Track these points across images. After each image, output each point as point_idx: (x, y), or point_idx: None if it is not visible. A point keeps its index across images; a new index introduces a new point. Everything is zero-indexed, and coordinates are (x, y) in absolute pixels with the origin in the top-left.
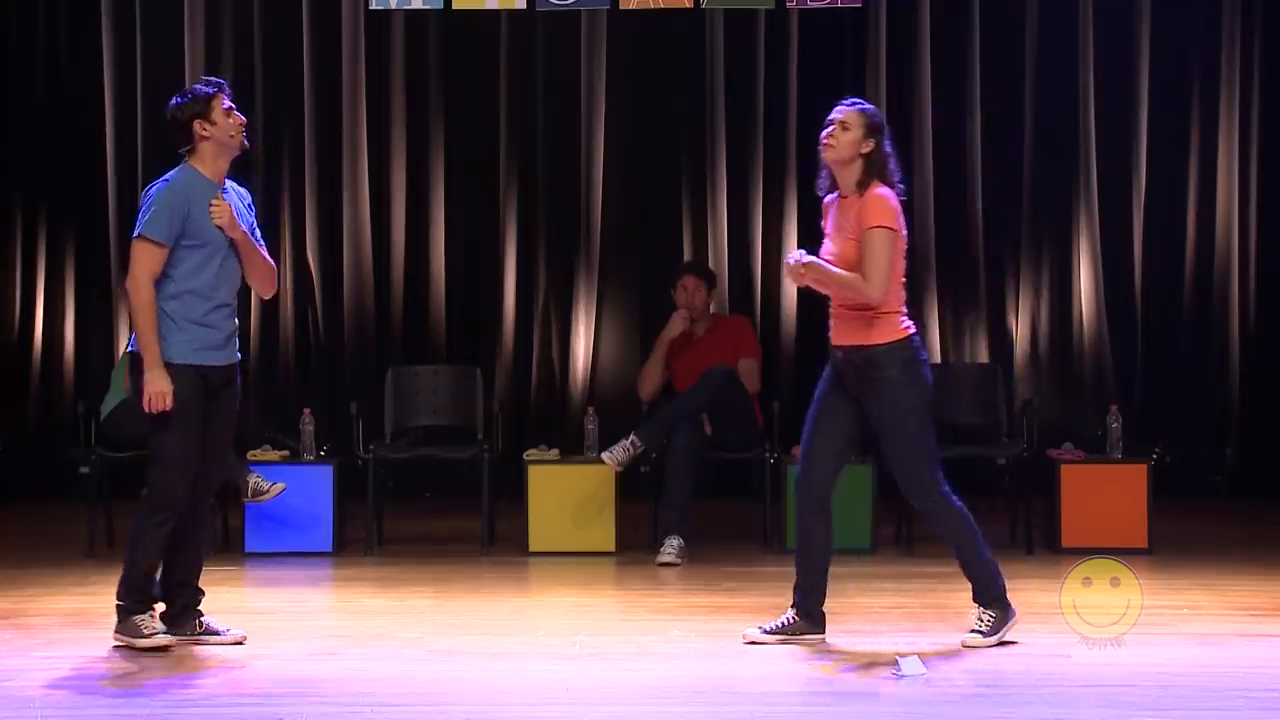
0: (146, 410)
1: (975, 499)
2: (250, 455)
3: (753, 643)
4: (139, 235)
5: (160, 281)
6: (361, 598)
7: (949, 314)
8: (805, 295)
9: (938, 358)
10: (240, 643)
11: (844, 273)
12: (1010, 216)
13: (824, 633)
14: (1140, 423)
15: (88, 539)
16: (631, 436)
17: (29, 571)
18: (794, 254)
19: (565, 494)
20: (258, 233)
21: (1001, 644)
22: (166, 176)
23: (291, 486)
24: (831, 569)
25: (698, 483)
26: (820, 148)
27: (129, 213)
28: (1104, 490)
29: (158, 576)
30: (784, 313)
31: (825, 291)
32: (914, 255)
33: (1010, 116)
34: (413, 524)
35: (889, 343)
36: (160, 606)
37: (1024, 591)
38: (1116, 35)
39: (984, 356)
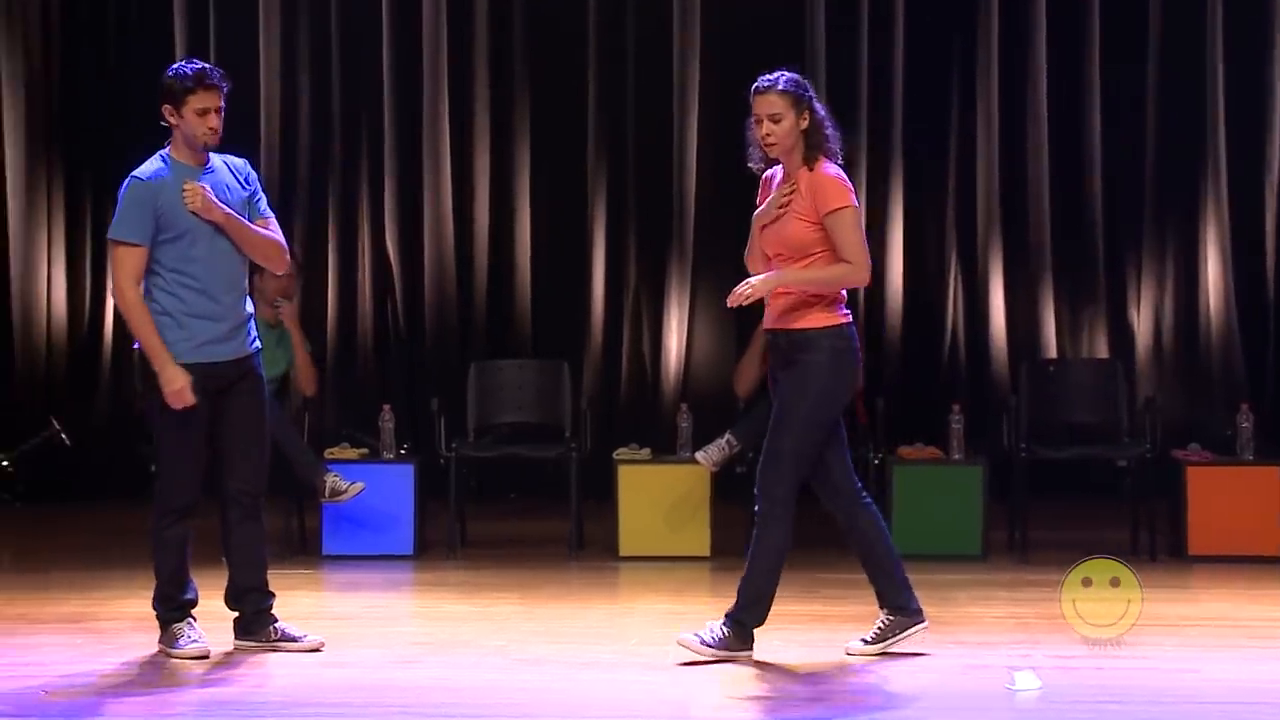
0: (147, 415)
1: (1094, 502)
2: (328, 453)
3: (853, 654)
4: (110, 238)
5: (151, 278)
6: (443, 603)
7: (1065, 308)
8: (912, 286)
9: (1053, 353)
10: (318, 649)
11: (822, 272)
12: (1132, 204)
13: (925, 621)
14: (1273, 422)
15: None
16: (727, 435)
17: (100, 574)
18: (742, 289)
19: (657, 495)
20: (261, 202)
21: (717, 658)
22: (135, 171)
23: (371, 486)
24: (940, 576)
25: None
26: (758, 149)
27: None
28: (1233, 494)
29: (191, 581)
30: (888, 304)
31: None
32: (1028, 246)
33: (1132, 98)
34: (497, 526)
35: (822, 328)
36: (224, 614)
37: (1147, 601)
38: (1246, 11)
39: (1103, 352)
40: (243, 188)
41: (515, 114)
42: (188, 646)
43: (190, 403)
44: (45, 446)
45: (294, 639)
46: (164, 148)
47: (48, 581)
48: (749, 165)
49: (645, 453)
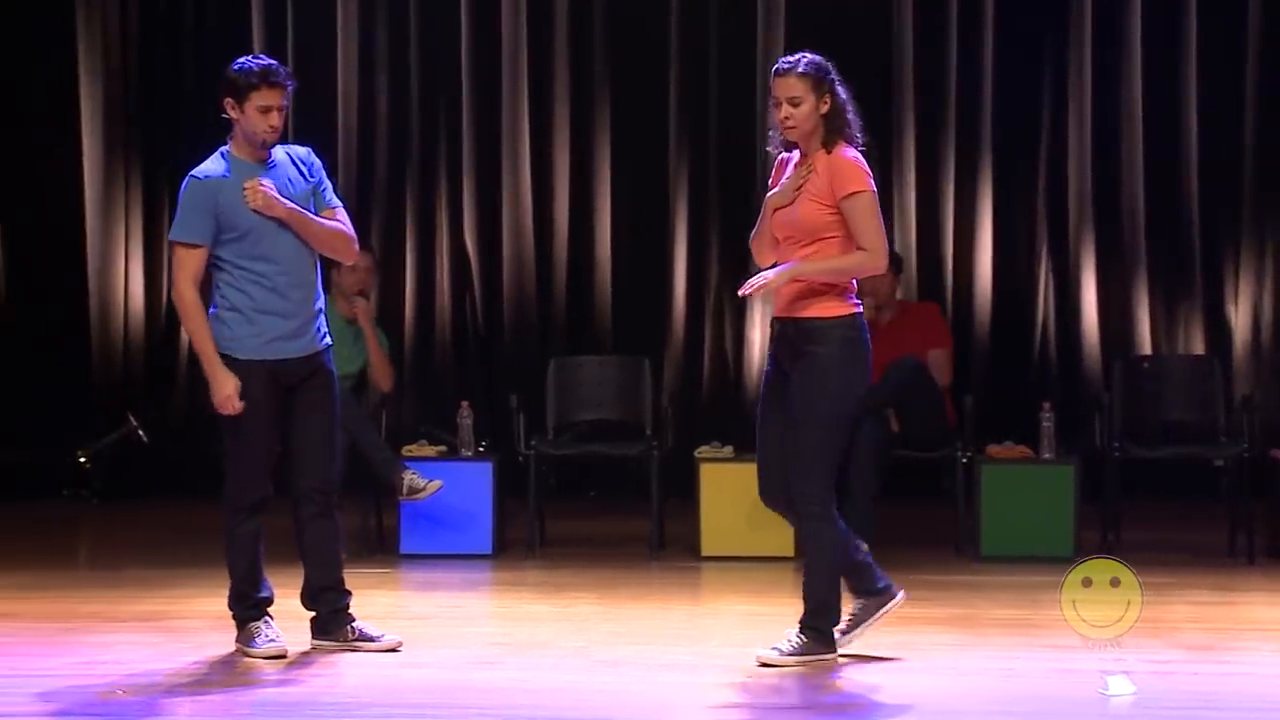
0: (218, 412)
1: (1190, 503)
2: (406, 451)
3: (765, 664)
4: (170, 239)
5: (219, 274)
6: (522, 603)
7: (1160, 304)
8: (1001, 283)
9: (1147, 350)
10: (395, 649)
11: (838, 261)
12: (1229, 202)
13: (897, 593)
14: None
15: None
16: None
17: (177, 572)
18: (757, 280)
19: (740, 494)
20: (328, 192)
21: (802, 666)
22: (194, 170)
23: (449, 484)
24: (1030, 578)
25: (883, 482)
26: (778, 133)
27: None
28: None
29: (265, 579)
30: (977, 299)
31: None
32: (1121, 243)
33: (1229, 90)
34: (576, 525)
35: (831, 317)
36: (301, 614)
37: (1245, 605)
38: None
39: (1199, 348)
40: (306, 179)
41: (595, 110)
42: (264, 646)
43: (238, 409)
44: (122, 443)
45: (371, 639)
46: (225, 144)
47: (125, 579)
48: (768, 148)
49: (727, 450)
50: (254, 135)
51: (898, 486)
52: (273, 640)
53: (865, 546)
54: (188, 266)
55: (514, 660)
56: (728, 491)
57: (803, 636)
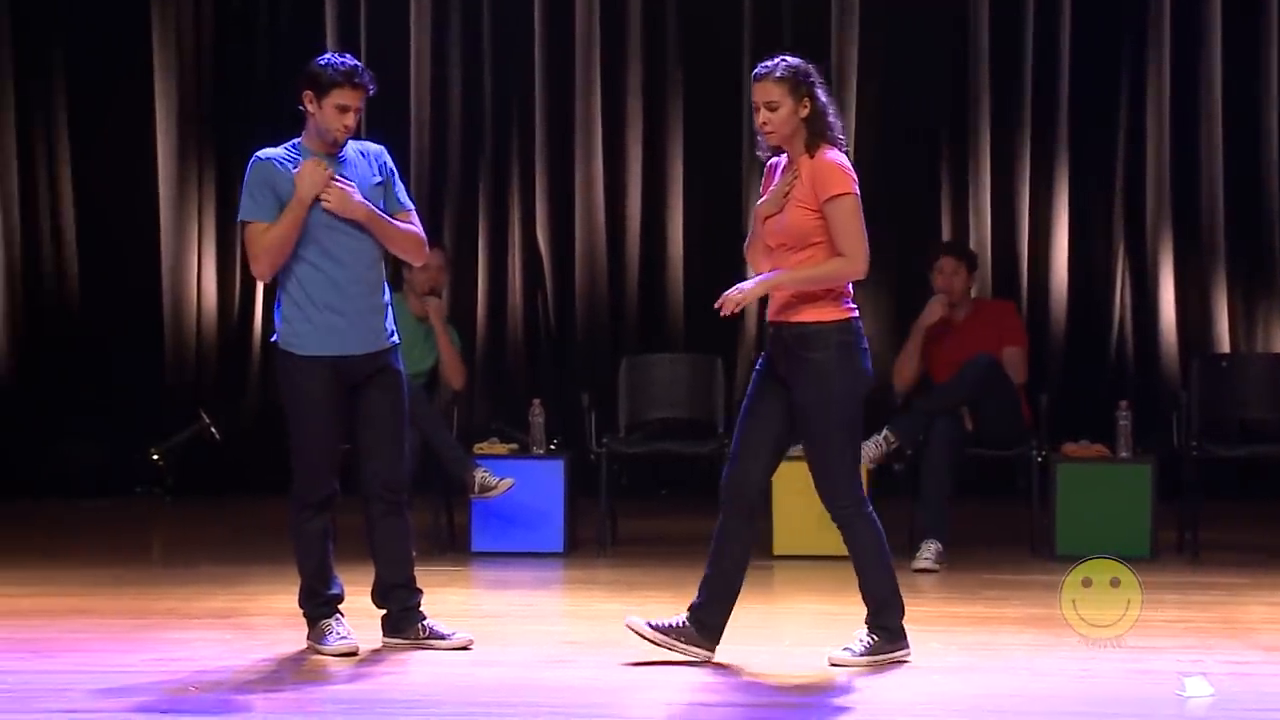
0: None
1: (1269, 503)
2: (477, 449)
3: (631, 627)
4: (238, 220)
5: (285, 265)
6: (593, 602)
7: (1239, 301)
8: (1078, 281)
9: (1225, 347)
10: (466, 647)
11: (816, 270)
12: None
13: (713, 651)
14: None
15: None
16: (885, 431)
17: (249, 569)
18: (733, 294)
19: (812, 493)
20: (401, 193)
21: (873, 666)
22: (260, 151)
23: (520, 482)
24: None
25: (958, 482)
26: (759, 137)
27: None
28: None
29: (335, 576)
30: (1053, 296)
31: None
32: (1200, 242)
33: None
34: (648, 524)
35: (826, 322)
36: (372, 612)
37: None
38: None
39: (1279, 346)
40: (376, 175)
41: (668, 105)
42: (336, 643)
43: (326, 174)
44: (194, 440)
45: (443, 636)
46: (298, 137)
47: (197, 576)
48: (757, 154)
49: (799, 449)
50: (327, 132)
51: (972, 485)
52: (344, 638)
53: (894, 574)
54: (251, 244)
55: (585, 659)
56: (800, 490)
57: (873, 636)
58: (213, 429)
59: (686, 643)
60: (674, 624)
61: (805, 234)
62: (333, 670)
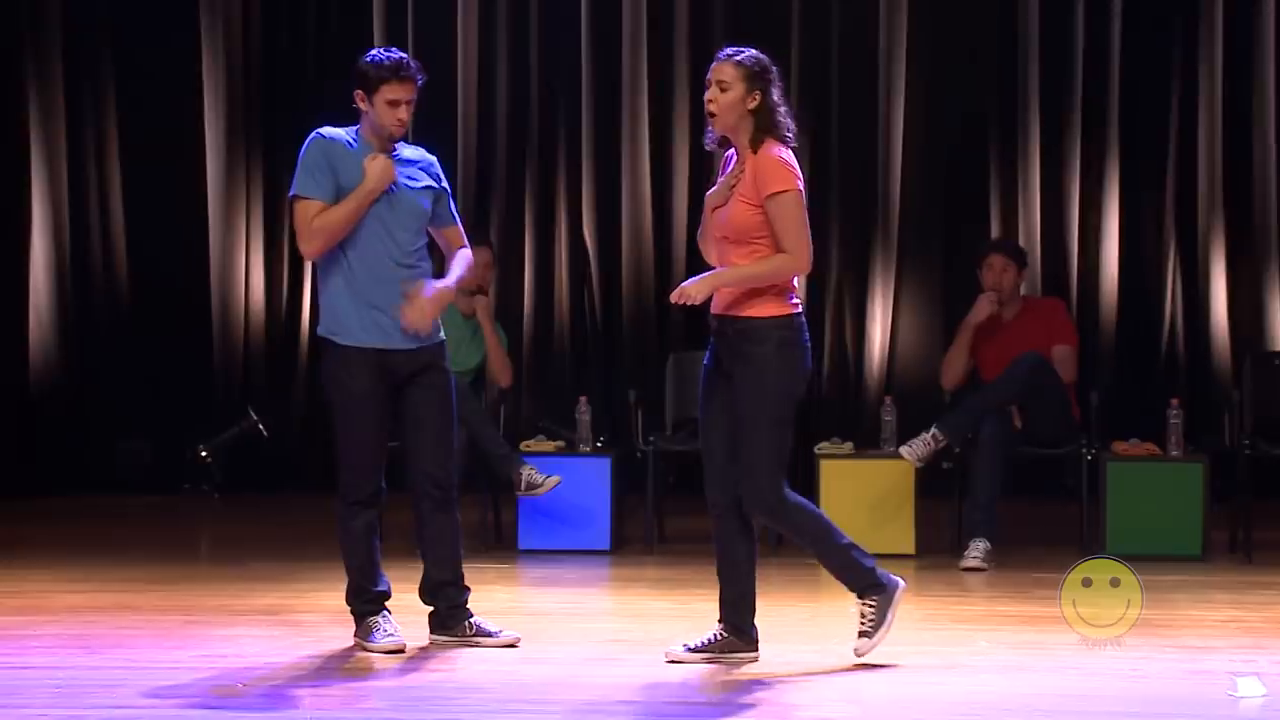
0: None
1: None
2: (524, 446)
3: (674, 661)
4: (290, 196)
5: (331, 254)
6: (642, 599)
7: None
8: (1128, 277)
9: (1278, 345)
10: (514, 645)
11: (759, 266)
12: None
13: (756, 651)
14: None
15: None
16: (933, 429)
17: (297, 566)
18: (688, 289)
19: (860, 491)
20: (452, 205)
21: (888, 628)
22: (321, 129)
23: (567, 480)
24: (1158, 577)
25: (1006, 480)
26: (708, 129)
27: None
28: None
29: (382, 574)
30: (1103, 294)
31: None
32: (1253, 237)
33: None
34: (695, 522)
35: (770, 317)
36: (419, 609)
37: None
38: None
39: None
40: (427, 180)
41: None
42: (383, 641)
43: (390, 169)
44: (242, 437)
45: (490, 634)
46: (355, 125)
47: (245, 573)
48: (705, 144)
49: (847, 447)
50: (381, 128)
51: (1021, 484)
52: (391, 635)
53: (847, 538)
54: (302, 221)
55: (632, 657)
56: (847, 488)
57: (869, 601)
58: (260, 426)
59: (730, 652)
60: (711, 639)
61: (747, 230)
62: (380, 667)
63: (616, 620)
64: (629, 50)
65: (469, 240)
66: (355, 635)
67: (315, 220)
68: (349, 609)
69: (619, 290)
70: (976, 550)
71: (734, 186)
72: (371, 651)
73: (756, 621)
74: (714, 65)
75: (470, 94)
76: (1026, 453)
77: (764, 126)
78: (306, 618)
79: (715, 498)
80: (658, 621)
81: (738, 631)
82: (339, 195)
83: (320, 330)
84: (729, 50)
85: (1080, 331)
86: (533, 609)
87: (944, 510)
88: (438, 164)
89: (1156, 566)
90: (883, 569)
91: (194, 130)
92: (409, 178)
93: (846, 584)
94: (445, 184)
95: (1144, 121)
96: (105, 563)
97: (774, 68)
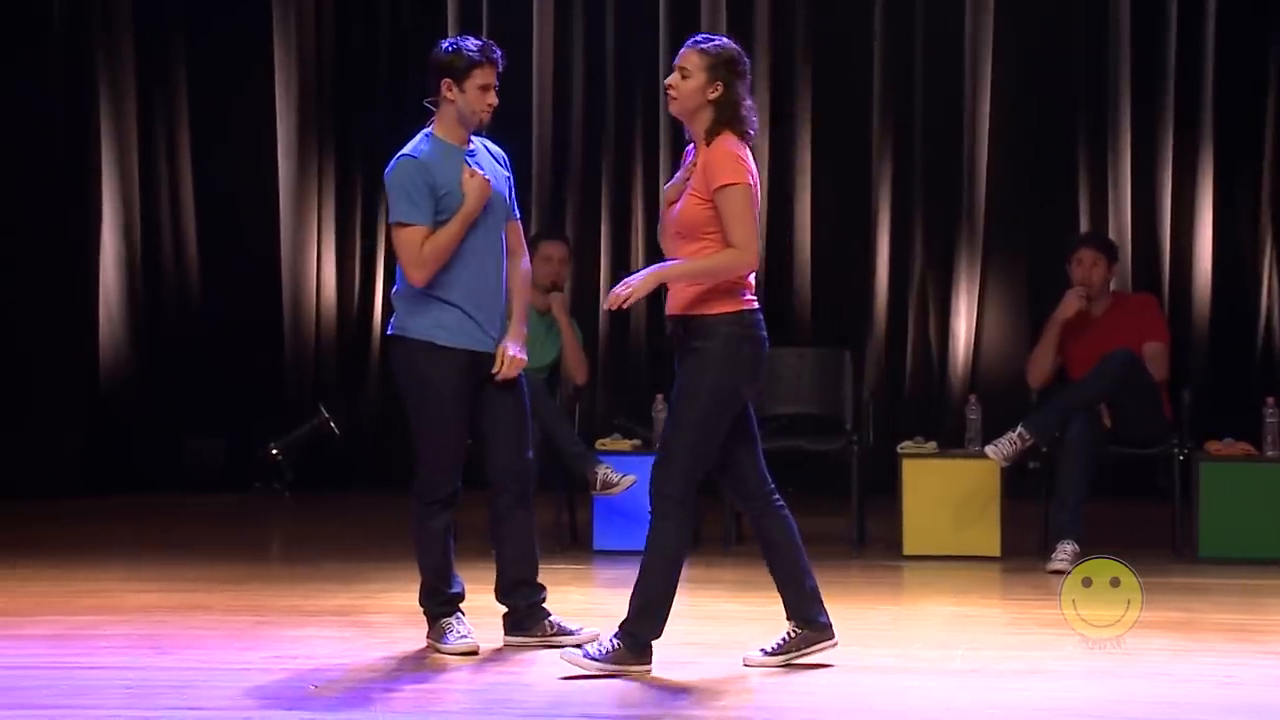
0: (405, 403)
1: None
2: (599, 445)
3: (755, 666)
4: (390, 222)
5: None
6: (716, 602)
7: None
8: (1221, 274)
9: None
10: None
11: (705, 262)
12: None
13: (833, 636)
14: None
15: None
16: (1019, 428)
17: (368, 567)
18: (620, 290)
19: (944, 491)
20: (513, 195)
21: (605, 674)
22: (403, 150)
23: (643, 479)
24: (1252, 581)
25: (1095, 481)
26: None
27: None
28: None
29: (456, 575)
30: (1196, 290)
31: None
32: None
33: None
34: None
35: (719, 314)
36: (495, 609)
37: None
38: None
39: None
40: (504, 170)
41: (796, 93)
42: (457, 642)
43: (487, 187)
44: (313, 436)
45: (570, 633)
46: (426, 127)
47: (316, 574)
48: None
49: (931, 446)
50: (472, 115)
51: (1111, 485)
52: (464, 637)
53: (813, 582)
54: (412, 246)
55: (708, 660)
56: (931, 488)
57: (617, 641)
58: (332, 424)
59: (808, 645)
60: (785, 639)
61: (698, 225)
62: (453, 669)
63: (692, 622)
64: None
65: (548, 234)
66: (428, 637)
67: (425, 247)
68: (422, 610)
69: None
70: (1064, 553)
71: (688, 180)
72: (445, 653)
73: (832, 617)
74: (681, 51)
75: (546, 85)
76: (1116, 453)
77: (724, 119)
78: (378, 619)
79: (737, 500)
80: (734, 624)
81: (808, 624)
82: (438, 208)
83: (412, 332)
84: (697, 37)
85: (1172, 328)
86: (608, 611)
87: (1030, 511)
88: (504, 153)
89: (1251, 571)
90: (652, 647)
91: (266, 126)
92: (492, 174)
93: (630, 612)
94: (511, 178)
95: (1238, 116)
96: (176, 562)
97: (744, 60)
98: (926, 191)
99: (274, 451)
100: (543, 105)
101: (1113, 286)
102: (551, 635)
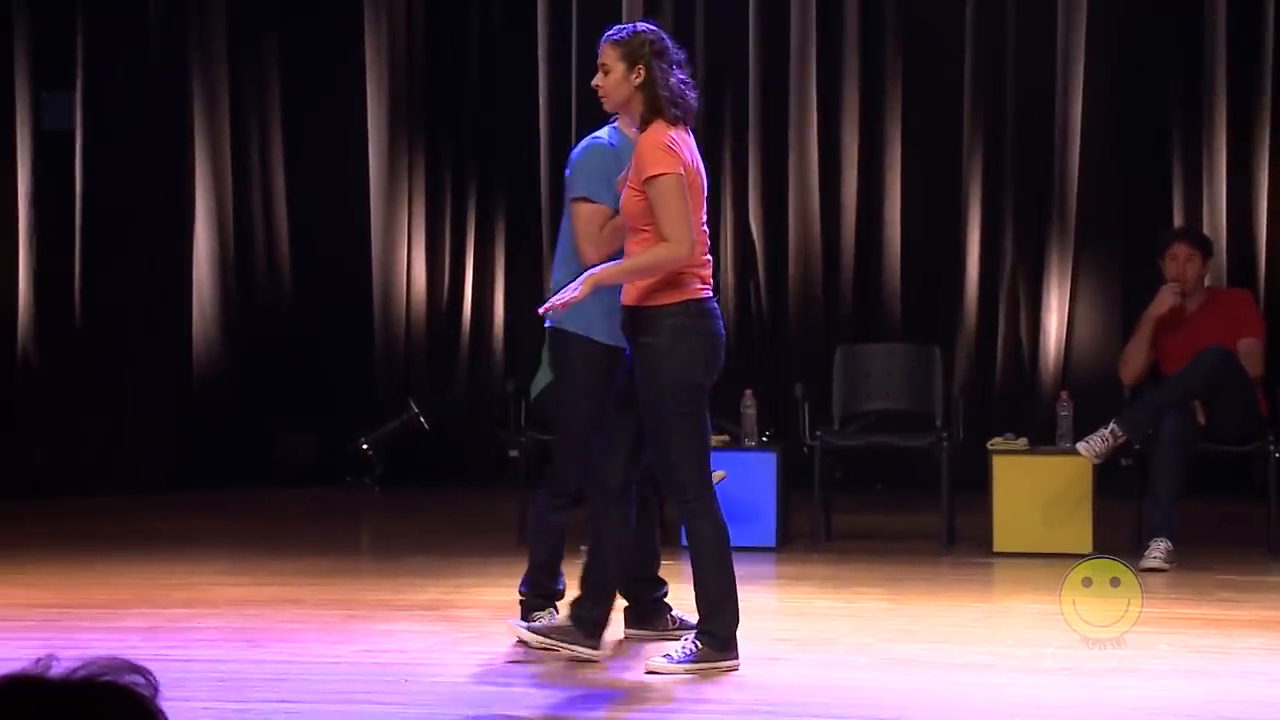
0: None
1: None
2: None
3: (652, 672)
4: (572, 197)
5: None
6: (808, 598)
7: None
8: None
9: None
10: None
11: (639, 259)
12: None
13: (599, 650)
14: None
15: (518, 527)
16: (1111, 425)
17: (457, 560)
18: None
19: (1035, 488)
20: None
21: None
22: (596, 135)
23: (732, 475)
24: None
25: (1188, 478)
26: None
27: (559, 182)
28: None
29: (562, 573)
30: None
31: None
32: None
33: None
34: (863, 519)
35: (663, 305)
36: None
37: None
38: None
39: None
40: None
41: (886, 90)
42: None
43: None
44: (403, 431)
45: (691, 627)
46: (612, 120)
47: (406, 568)
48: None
49: (1022, 443)
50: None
51: (1205, 482)
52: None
53: (616, 588)
54: (592, 223)
55: (800, 657)
56: (1022, 486)
57: (697, 643)
58: (421, 419)
59: (567, 641)
60: (690, 646)
61: (635, 216)
62: (542, 664)
63: (783, 619)
64: (797, 38)
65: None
66: (511, 620)
67: (605, 229)
68: (520, 597)
69: (786, 282)
70: (1157, 550)
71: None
72: (522, 635)
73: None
74: (599, 50)
75: None
76: (1210, 450)
77: (652, 106)
78: (467, 613)
79: (594, 485)
80: (824, 620)
81: (579, 622)
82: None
83: (569, 325)
84: (610, 31)
85: (1268, 323)
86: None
87: (1123, 509)
88: None
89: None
90: (599, 638)
91: (356, 124)
92: None
93: (700, 612)
94: None
95: None
96: (267, 556)
97: (662, 41)
98: (1017, 186)
99: (364, 446)
100: None
101: (1207, 282)
102: (673, 629)
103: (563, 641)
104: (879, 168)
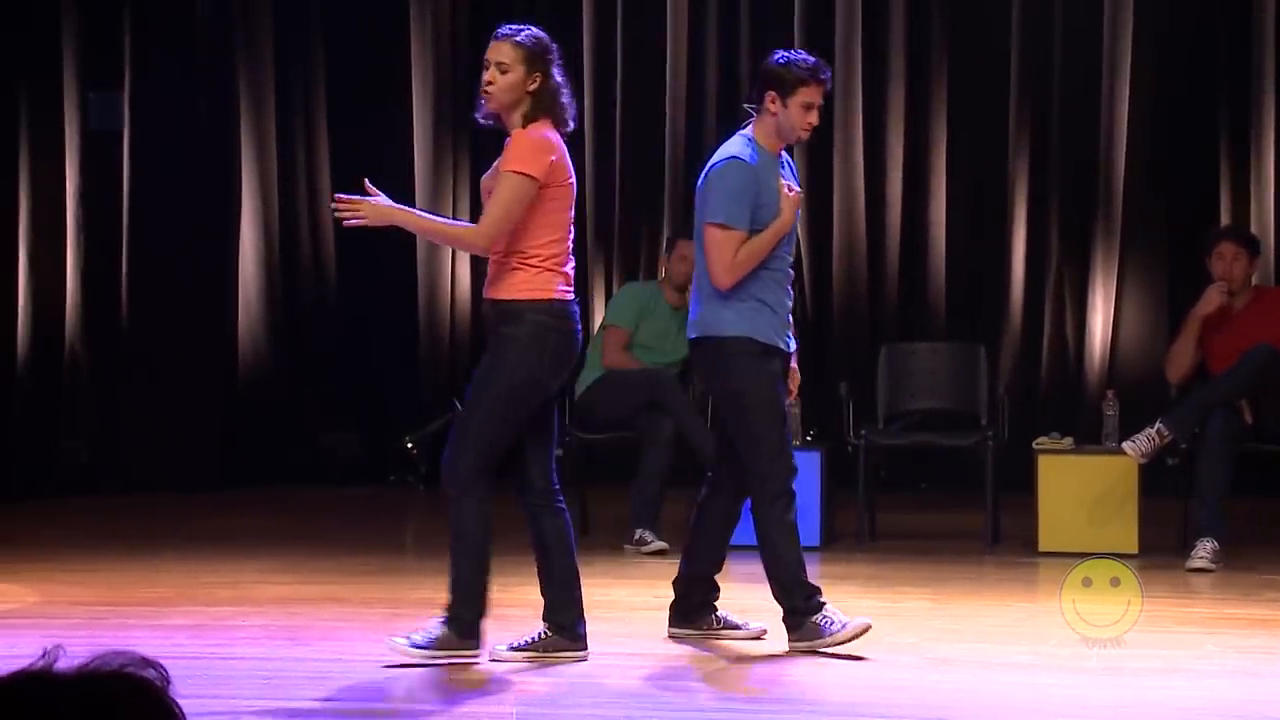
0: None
1: None
2: None
3: (500, 660)
4: (708, 221)
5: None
6: (850, 597)
7: None
8: None
9: None
10: (759, 638)
11: (438, 224)
12: None
13: (586, 650)
14: None
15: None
16: (1157, 424)
17: (501, 559)
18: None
19: (1080, 488)
20: None
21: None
22: (734, 153)
23: None
24: None
25: (1235, 478)
26: (480, 100)
27: (606, 187)
28: None
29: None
30: None
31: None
32: None
33: None
34: (907, 518)
35: (526, 300)
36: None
37: None
38: None
39: None
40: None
41: (931, 90)
42: (845, 629)
43: (799, 204)
44: (448, 430)
45: (736, 627)
46: (744, 128)
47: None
48: (474, 115)
49: (1067, 442)
50: (791, 131)
51: (1251, 482)
52: (845, 622)
53: (579, 592)
54: (727, 252)
55: (842, 656)
56: (1067, 485)
57: (441, 629)
58: None
59: (556, 651)
60: (535, 638)
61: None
62: (592, 661)
63: None
64: (842, 36)
65: (685, 233)
66: (796, 640)
67: (740, 253)
68: (784, 611)
69: (830, 281)
70: (1204, 550)
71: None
72: (841, 642)
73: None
74: (492, 45)
75: (679, 85)
76: (1257, 449)
77: (543, 107)
78: (511, 611)
79: (522, 494)
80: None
81: (562, 630)
82: (753, 222)
83: (735, 331)
84: (507, 29)
85: None
86: (741, 606)
87: (1169, 509)
88: (794, 163)
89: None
90: (480, 630)
91: (402, 122)
92: (795, 180)
93: (450, 598)
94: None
95: None
96: (312, 554)
97: (555, 46)
98: (1063, 185)
99: (409, 445)
100: (676, 99)
101: (1254, 281)
102: (717, 629)
103: (450, 650)
104: (924, 168)
